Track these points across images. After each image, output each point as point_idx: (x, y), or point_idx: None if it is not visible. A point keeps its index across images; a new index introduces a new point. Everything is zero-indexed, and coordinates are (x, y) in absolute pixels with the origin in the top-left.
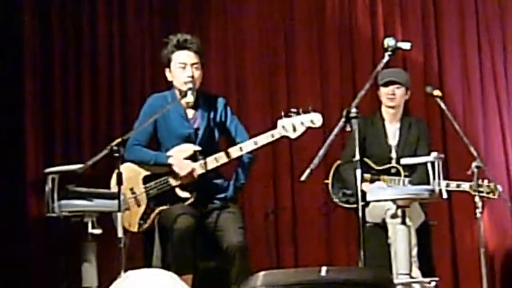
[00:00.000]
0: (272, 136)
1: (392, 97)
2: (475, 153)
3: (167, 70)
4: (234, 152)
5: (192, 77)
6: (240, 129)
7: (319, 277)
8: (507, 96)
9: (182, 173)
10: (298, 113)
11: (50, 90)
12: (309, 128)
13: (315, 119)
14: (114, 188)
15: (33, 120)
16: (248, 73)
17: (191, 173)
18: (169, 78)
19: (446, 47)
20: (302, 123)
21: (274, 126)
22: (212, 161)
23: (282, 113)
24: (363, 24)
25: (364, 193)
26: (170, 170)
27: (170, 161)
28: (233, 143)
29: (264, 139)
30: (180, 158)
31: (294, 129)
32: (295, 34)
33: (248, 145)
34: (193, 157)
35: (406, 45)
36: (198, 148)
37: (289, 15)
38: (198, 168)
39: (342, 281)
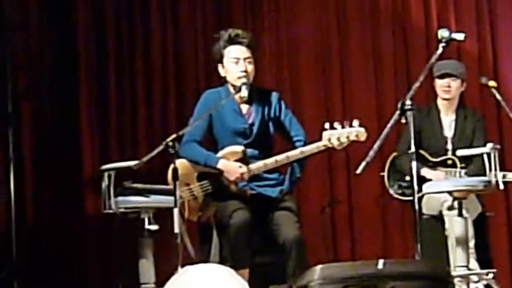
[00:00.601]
0: (318, 148)
1: (447, 90)
2: None
3: (219, 65)
4: (282, 160)
5: (246, 71)
6: (294, 122)
7: (376, 270)
8: None
9: (232, 178)
10: (343, 126)
11: (105, 88)
12: (354, 142)
13: (360, 134)
14: (170, 183)
15: (88, 118)
16: (302, 70)
17: (240, 177)
18: (222, 74)
19: (500, 37)
20: (347, 137)
21: (325, 128)
22: (261, 167)
23: (327, 125)
24: (416, 15)
25: (422, 182)
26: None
27: (219, 166)
28: (288, 137)
29: (310, 150)
30: (229, 161)
31: (340, 143)
32: (349, 28)
33: (295, 155)
34: (243, 159)
35: (460, 36)
36: (244, 149)
37: (343, 9)
38: (247, 173)
39: (399, 274)
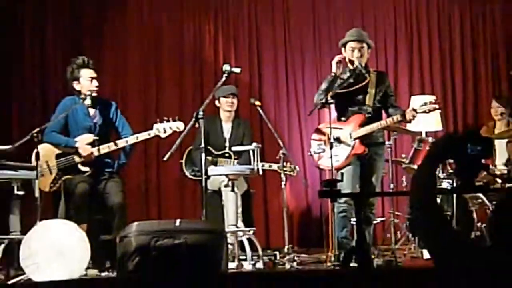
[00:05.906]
0: (149, 134)
1: (231, 105)
2: (281, 144)
3: (75, 82)
4: (121, 143)
5: (97, 87)
6: (126, 126)
7: (174, 226)
8: (304, 106)
9: (84, 154)
10: (168, 121)
11: None
12: (174, 131)
13: (180, 126)
14: (33, 162)
15: None
16: (131, 87)
17: (90, 154)
18: (78, 88)
19: (264, 70)
20: (170, 127)
21: (150, 128)
22: (105, 148)
23: (158, 119)
24: (208, 53)
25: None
26: (75, 151)
27: (76, 145)
28: (120, 135)
29: (143, 136)
30: (83, 143)
31: (165, 131)
32: (163, 62)
33: (131, 139)
34: (92, 143)
35: (237, 70)
36: (96, 137)
37: (160, 48)
38: (95, 151)
39: (190, 229)
